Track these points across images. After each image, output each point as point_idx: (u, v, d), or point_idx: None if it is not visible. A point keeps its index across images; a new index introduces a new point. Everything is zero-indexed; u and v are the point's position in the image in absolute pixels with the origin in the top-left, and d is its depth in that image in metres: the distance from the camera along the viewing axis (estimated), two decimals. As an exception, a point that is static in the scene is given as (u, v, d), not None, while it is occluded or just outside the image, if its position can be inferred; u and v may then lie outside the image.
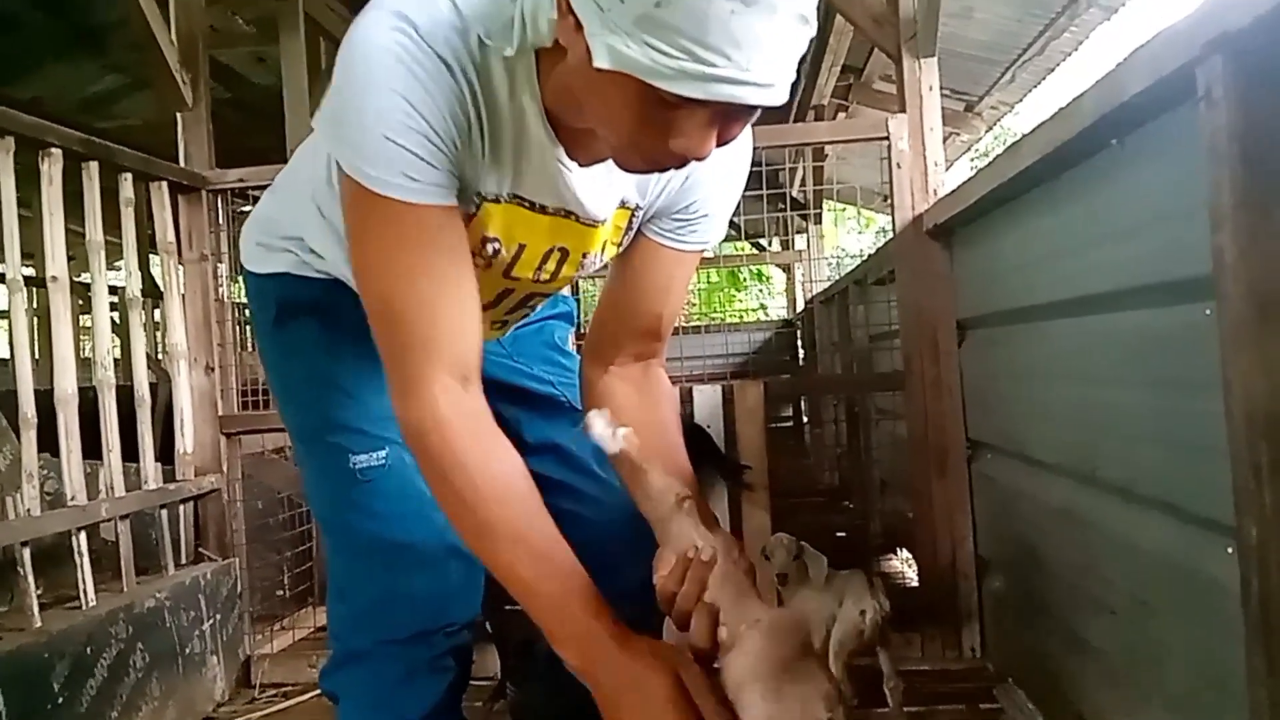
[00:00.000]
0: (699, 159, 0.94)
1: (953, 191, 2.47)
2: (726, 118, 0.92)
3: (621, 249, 1.27)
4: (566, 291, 1.61)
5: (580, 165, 1.10)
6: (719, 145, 0.95)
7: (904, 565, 3.57)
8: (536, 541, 1.03)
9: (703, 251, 1.30)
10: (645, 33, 0.84)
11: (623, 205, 1.20)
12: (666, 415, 1.34)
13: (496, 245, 1.15)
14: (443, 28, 0.97)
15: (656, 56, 0.84)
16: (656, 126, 0.91)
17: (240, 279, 1.51)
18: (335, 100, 1.01)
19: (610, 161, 1.04)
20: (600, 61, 0.87)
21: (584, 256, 1.23)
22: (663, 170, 1.01)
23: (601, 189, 1.14)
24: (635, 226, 1.24)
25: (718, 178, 1.22)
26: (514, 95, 1.02)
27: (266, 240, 1.38)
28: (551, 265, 1.22)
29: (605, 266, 1.36)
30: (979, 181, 2.16)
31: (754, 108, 0.91)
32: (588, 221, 1.17)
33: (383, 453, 1.30)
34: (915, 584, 2.95)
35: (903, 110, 2.77)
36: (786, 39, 0.86)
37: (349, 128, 0.99)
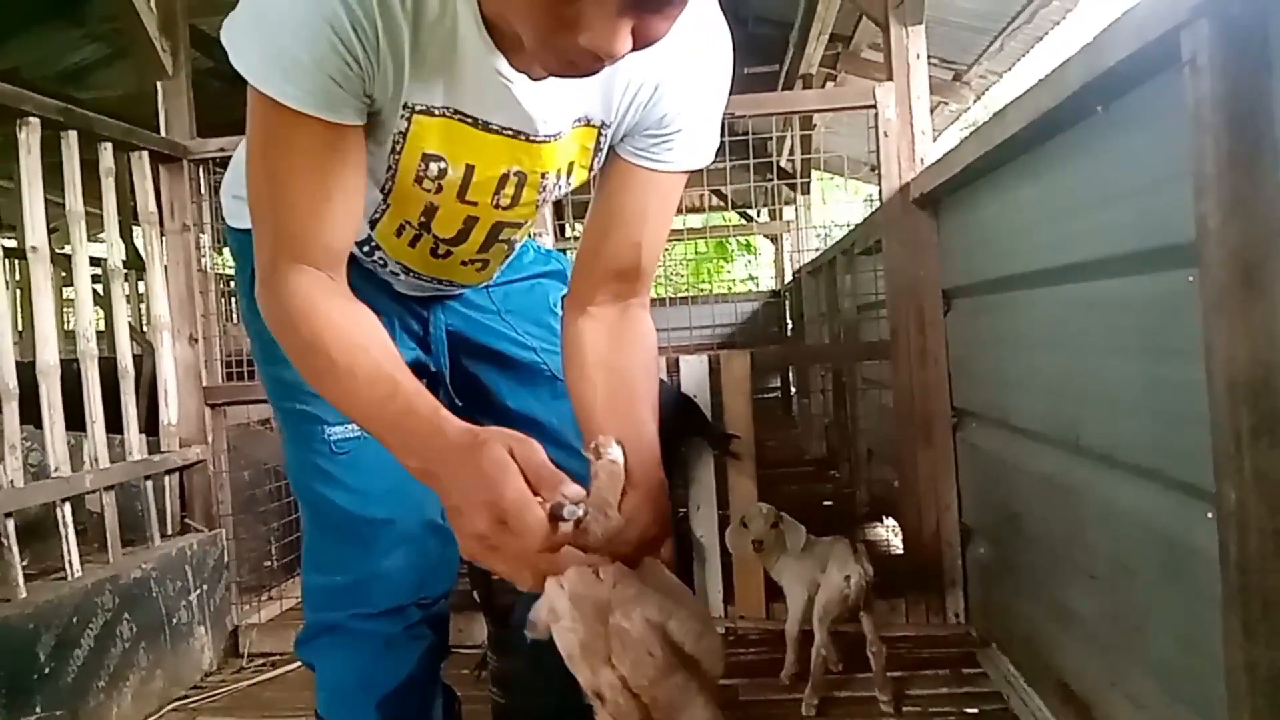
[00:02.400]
0: (611, 57, 0.88)
1: (939, 160, 2.46)
2: (638, 9, 0.86)
3: (593, 172, 1.21)
4: (550, 241, 1.55)
5: (532, 79, 1.04)
6: (640, 45, 0.89)
7: (890, 533, 3.59)
8: (367, 372, 1.00)
9: (681, 176, 1.22)
10: None
11: (587, 123, 1.14)
12: (637, 361, 1.24)
13: (442, 164, 1.10)
14: None
15: None
16: (564, 21, 0.85)
17: (224, 249, 1.49)
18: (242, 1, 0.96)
19: None
20: None
21: (543, 178, 1.17)
22: (582, 74, 0.93)
23: (552, 102, 1.08)
24: (604, 147, 1.18)
25: (689, 90, 1.14)
26: (445, 1, 0.98)
27: (244, 193, 1.33)
28: (510, 189, 1.17)
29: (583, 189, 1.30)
30: (965, 149, 2.15)
31: (668, 1, 0.86)
32: (539, 139, 1.11)
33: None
34: (900, 551, 2.97)
35: (890, 79, 2.75)
36: None
37: (247, 27, 0.95)
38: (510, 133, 1.09)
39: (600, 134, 1.16)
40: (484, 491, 0.90)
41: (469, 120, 1.07)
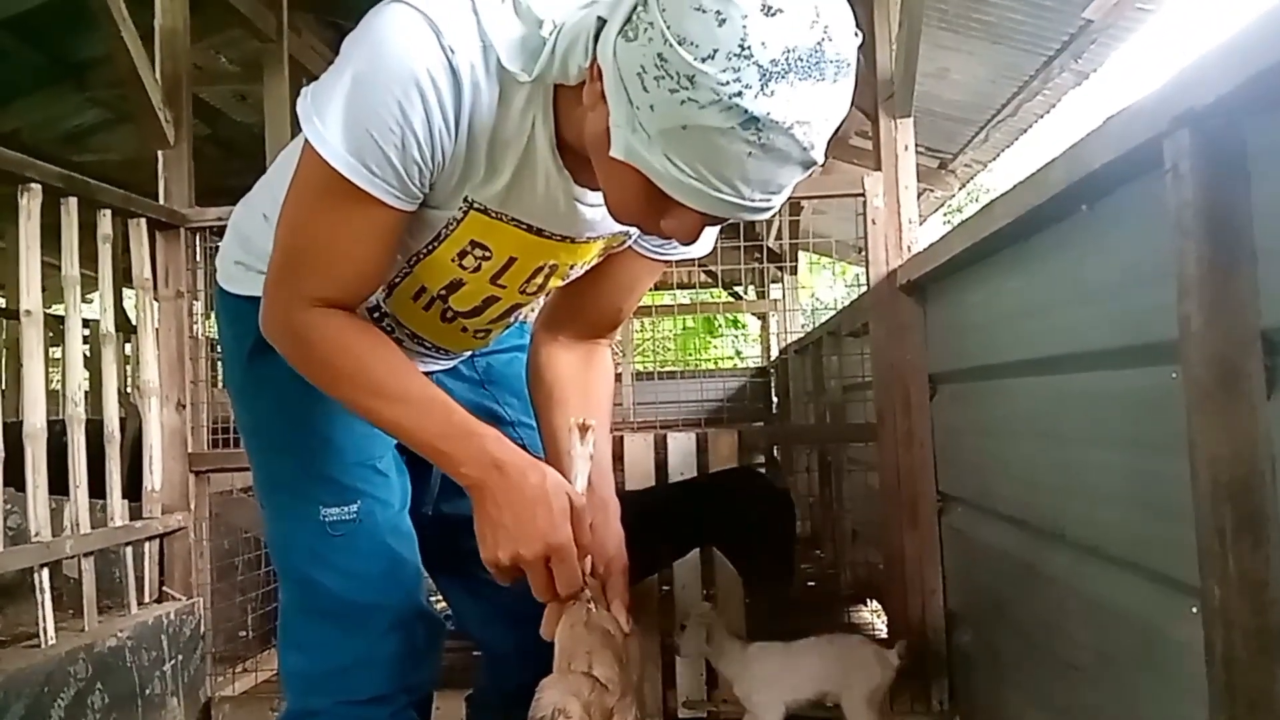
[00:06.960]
0: (684, 244, 1.02)
1: (927, 249, 2.51)
2: (717, 218, 0.98)
3: (603, 259, 1.30)
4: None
5: (591, 190, 1.12)
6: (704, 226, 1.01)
7: (873, 616, 3.57)
8: (419, 394, 1.12)
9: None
10: (666, 146, 0.89)
11: (622, 229, 1.23)
12: (603, 391, 1.42)
13: (486, 253, 1.17)
14: (466, 45, 0.98)
15: (670, 169, 0.89)
16: (652, 207, 0.97)
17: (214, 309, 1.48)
18: (336, 78, 1.01)
19: None
20: (617, 153, 0.92)
21: (570, 269, 1.26)
22: (646, 234, 1.08)
23: (605, 216, 1.15)
24: (625, 244, 1.28)
25: None
26: (525, 121, 1.04)
27: (247, 260, 1.35)
28: (540, 279, 1.24)
29: None
30: (952, 240, 2.20)
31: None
32: (581, 240, 1.20)
33: (354, 506, 1.28)
34: (884, 635, 2.95)
35: (878, 168, 2.82)
36: (790, 179, 0.92)
37: (338, 105, 0.99)
38: (559, 237, 1.17)
39: (628, 235, 1.26)
40: (547, 529, 1.05)
41: (524, 226, 1.14)
